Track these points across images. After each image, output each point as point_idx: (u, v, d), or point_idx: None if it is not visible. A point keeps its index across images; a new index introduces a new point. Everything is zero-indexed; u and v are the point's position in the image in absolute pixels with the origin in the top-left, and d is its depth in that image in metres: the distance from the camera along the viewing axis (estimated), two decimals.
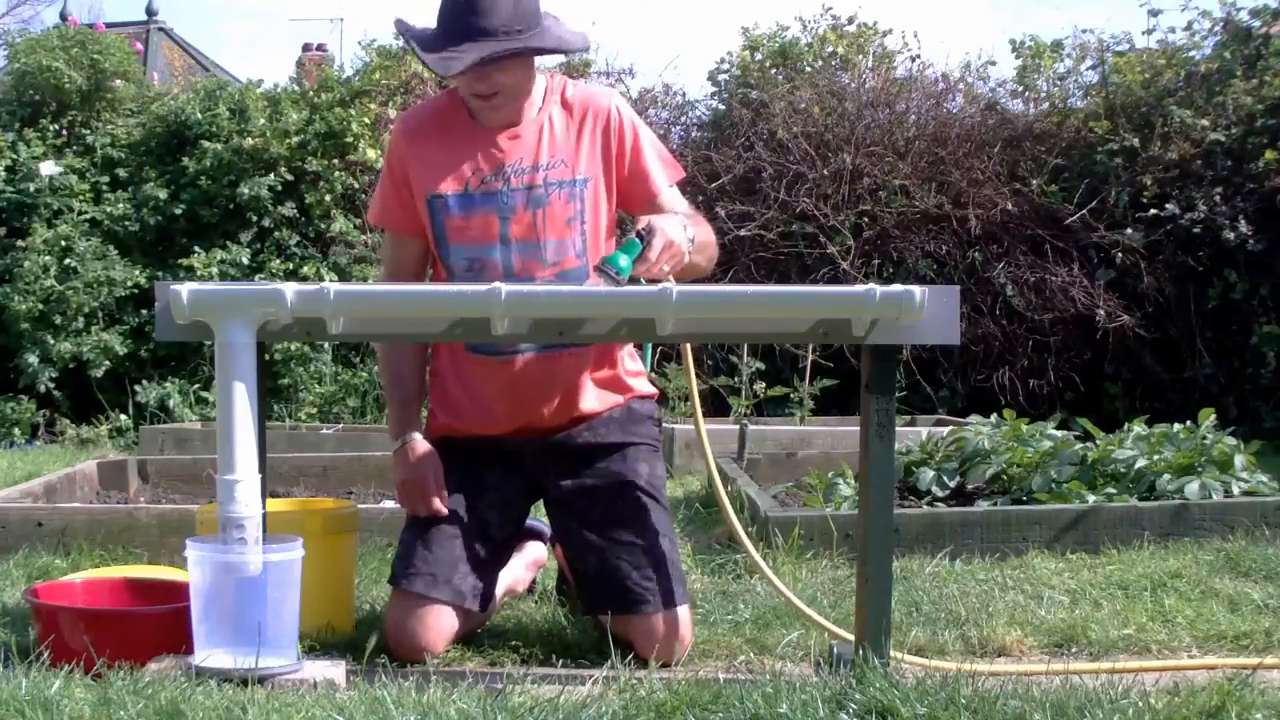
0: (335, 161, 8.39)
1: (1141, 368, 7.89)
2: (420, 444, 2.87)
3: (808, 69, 8.83)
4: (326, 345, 7.78)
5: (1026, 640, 2.84)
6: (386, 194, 2.92)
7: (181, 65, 15.20)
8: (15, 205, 8.27)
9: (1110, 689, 2.13)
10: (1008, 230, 7.95)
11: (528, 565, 3.28)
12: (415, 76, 8.43)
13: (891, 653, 2.46)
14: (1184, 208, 7.67)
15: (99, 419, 7.82)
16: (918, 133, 8.28)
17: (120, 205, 8.29)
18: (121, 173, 8.50)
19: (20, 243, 8.07)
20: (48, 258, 7.99)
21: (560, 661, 2.70)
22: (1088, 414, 5.39)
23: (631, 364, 2.98)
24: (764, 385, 6.60)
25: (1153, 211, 7.71)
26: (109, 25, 10.58)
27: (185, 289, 2.35)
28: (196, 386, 7.88)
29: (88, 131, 8.63)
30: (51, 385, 7.94)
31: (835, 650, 2.54)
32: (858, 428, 2.49)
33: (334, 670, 2.41)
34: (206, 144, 8.32)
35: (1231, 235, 7.53)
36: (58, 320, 7.92)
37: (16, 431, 7.80)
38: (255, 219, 8.28)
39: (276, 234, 8.31)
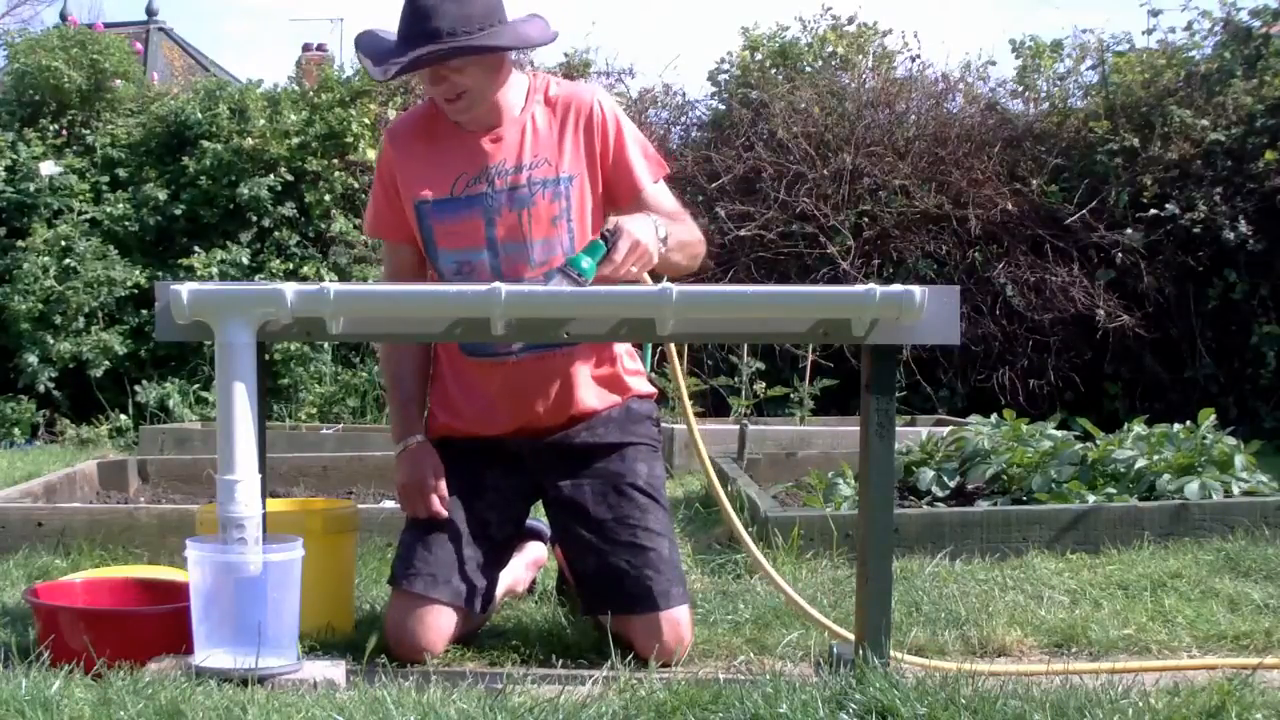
0: (335, 161, 8.39)
1: (1141, 368, 7.89)
2: (421, 446, 2.87)
3: (808, 69, 8.83)
4: (326, 345, 7.78)
5: (1026, 640, 2.84)
6: (378, 203, 2.94)
7: (181, 65, 15.21)
8: (15, 205, 8.27)
9: (1110, 689, 2.13)
10: (1008, 230, 7.95)
11: (528, 565, 3.28)
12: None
13: (891, 653, 2.46)
14: (1184, 208, 7.67)
15: (99, 419, 7.82)
16: (918, 133, 8.28)
17: (120, 205, 8.30)
18: (121, 173, 8.51)
19: (20, 243, 8.07)
20: (48, 258, 8.00)
21: (560, 661, 2.70)
22: (1088, 414, 5.39)
23: (630, 363, 2.98)
24: (764, 385, 6.60)
25: (1153, 211, 7.71)
26: (109, 25, 10.58)
27: (185, 289, 2.35)
28: (196, 386, 7.88)
29: (88, 131, 8.64)
30: (51, 385, 7.94)
31: (835, 650, 2.53)
32: (858, 428, 2.49)
33: (334, 670, 2.41)
34: (206, 144, 8.32)
35: (1231, 235, 7.53)
36: (58, 320, 7.92)
37: (16, 431, 7.81)
38: (255, 219, 8.28)
39: (276, 234, 8.31)
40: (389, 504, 4.06)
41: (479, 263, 2.80)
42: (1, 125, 8.58)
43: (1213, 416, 4.45)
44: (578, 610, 2.97)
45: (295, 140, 8.34)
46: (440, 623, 2.74)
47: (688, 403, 2.91)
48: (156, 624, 2.56)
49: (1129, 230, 7.75)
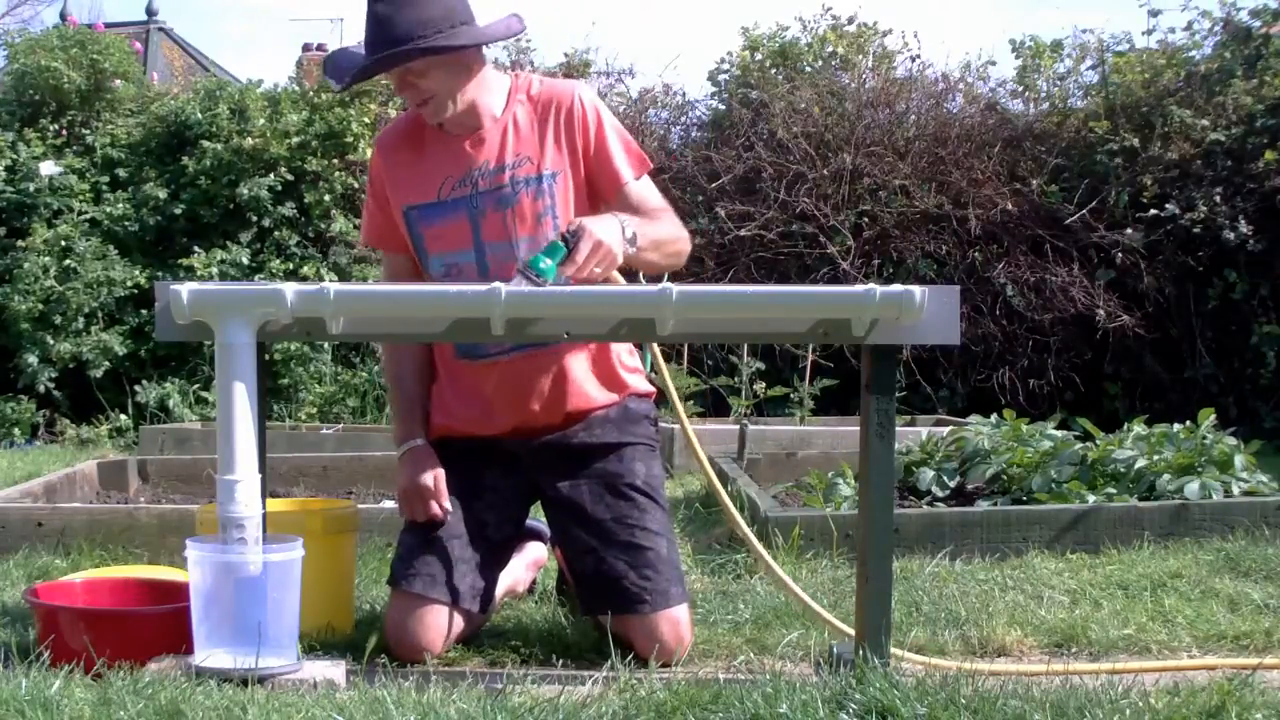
0: (335, 161, 8.40)
1: (1141, 368, 7.89)
2: (422, 450, 2.87)
3: (808, 69, 8.83)
4: (326, 345, 7.78)
5: (1026, 640, 2.84)
6: (372, 213, 2.97)
7: (181, 65, 15.19)
8: (15, 205, 8.27)
9: (1110, 689, 2.13)
10: (1008, 230, 7.95)
11: (528, 566, 3.28)
12: None
13: (892, 651, 2.46)
14: (1184, 208, 7.67)
15: (99, 419, 7.83)
16: (918, 133, 8.28)
17: (120, 205, 8.30)
18: (121, 173, 8.51)
19: (20, 243, 8.07)
20: (48, 258, 8.00)
21: (560, 661, 2.70)
22: (1088, 414, 5.39)
23: (629, 359, 2.98)
24: (764, 385, 6.60)
25: (1153, 211, 7.71)
26: (109, 25, 10.58)
27: (185, 289, 2.35)
28: (196, 386, 7.88)
29: (87, 131, 8.64)
30: (51, 385, 7.94)
31: (835, 650, 2.53)
32: (858, 428, 2.49)
33: (334, 670, 2.41)
34: (206, 144, 8.32)
35: (1231, 235, 7.53)
36: (58, 320, 7.92)
37: (16, 431, 7.81)
38: (255, 219, 8.28)
39: (276, 234, 8.31)
40: (389, 504, 4.06)
41: (466, 264, 2.81)
42: (1, 125, 8.58)
43: (1213, 416, 4.45)
44: (578, 610, 2.96)
45: (295, 140, 8.34)
46: (440, 623, 2.74)
47: (679, 404, 2.91)
48: (156, 624, 2.56)
49: (1129, 230, 7.75)
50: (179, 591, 2.55)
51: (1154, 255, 7.77)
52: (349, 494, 4.81)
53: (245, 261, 8.14)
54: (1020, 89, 8.73)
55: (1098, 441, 4.38)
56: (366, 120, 8.42)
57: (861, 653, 2.38)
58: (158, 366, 8.15)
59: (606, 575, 2.77)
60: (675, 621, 2.73)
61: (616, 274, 2.69)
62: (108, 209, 8.28)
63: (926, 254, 7.94)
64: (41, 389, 7.90)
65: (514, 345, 2.77)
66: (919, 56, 8.83)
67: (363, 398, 7.68)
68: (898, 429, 2.97)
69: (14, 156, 8.36)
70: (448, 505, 2.82)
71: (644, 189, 2.87)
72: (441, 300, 2.48)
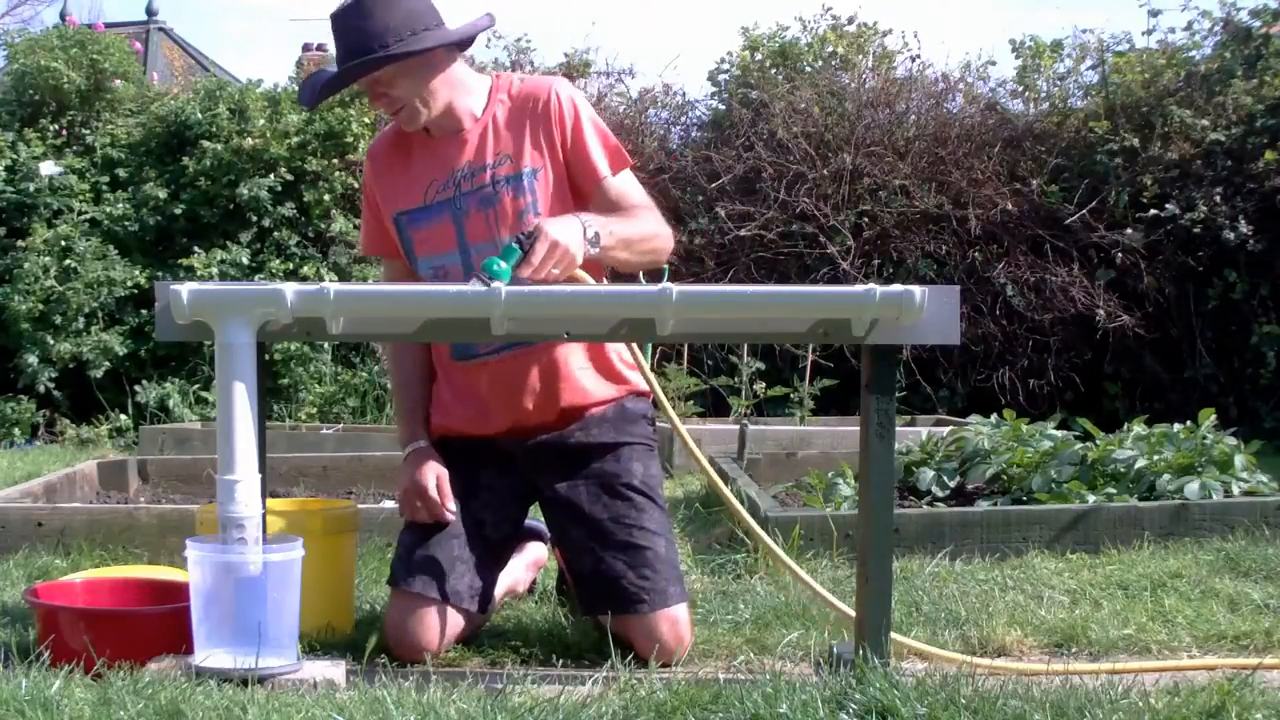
0: (335, 161, 8.40)
1: (1141, 368, 7.89)
2: (425, 452, 2.88)
3: (808, 69, 8.83)
4: (326, 345, 7.78)
5: (1026, 640, 2.84)
6: (367, 221, 3.00)
7: (181, 65, 15.18)
8: (15, 205, 8.27)
9: (1110, 689, 2.13)
10: (1008, 230, 7.95)
11: (528, 566, 3.28)
12: None
13: (895, 638, 2.46)
14: (1184, 208, 7.68)
15: (99, 419, 7.83)
16: (918, 133, 8.28)
17: (120, 205, 8.30)
18: (121, 173, 8.51)
19: (20, 243, 8.07)
20: (48, 258, 8.00)
21: (560, 661, 2.70)
22: (1088, 414, 5.39)
23: (629, 355, 2.96)
24: (764, 385, 6.61)
25: (1153, 211, 7.72)
26: (109, 25, 10.57)
27: (185, 289, 2.35)
28: (196, 386, 7.88)
29: (87, 131, 8.64)
30: (51, 385, 7.94)
31: (835, 650, 2.53)
32: (858, 428, 2.49)
33: (334, 670, 2.41)
34: (206, 144, 8.32)
35: (1231, 235, 7.53)
36: (58, 320, 7.92)
37: (16, 431, 7.81)
38: (255, 219, 8.28)
39: (276, 234, 8.31)
40: (389, 504, 4.06)
41: (452, 266, 2.82)
42: (1, 125, 8.58)
43: (1213, 416, 4.45)
44: (577, 610, 2.96)
45: (295, 140, 8.34)
46: (440, 623, 2.73)
47: (666, 402, 2.90)
48: (156, 624, 2.56)
49: (1129, 230, 7.75)
50: (179, 591, 2.55)
51: (1154, 255, 7.77)
52: (349, 494, 4.81)
53: (245, 261, 8.14)
54: (1020, 89, 8.74)
55: (1098, 441, 4.38)
56: (366, 120, 8.42)
57: (861, 652, 2.38)
58: (158, 366, 8.15)
59: (605, 575, 2.77)
60: (674, 621, 2.73)
61: (585, 274, 2.67)
62: (108, 209, 8.28)
63: (926, 254, 7.94)
64: (41, 389, 7.90)
65: (504, 344, 2.76)
66: (919, 56, 8.86)
67: (363, 398, 7.68)
68: (898, 429, 2.97)
69: (14, 156, 8.36)
70: (452, 508, 2.82)
71: (623, 184, 2.86)
72: (441, 300, 2.48)
